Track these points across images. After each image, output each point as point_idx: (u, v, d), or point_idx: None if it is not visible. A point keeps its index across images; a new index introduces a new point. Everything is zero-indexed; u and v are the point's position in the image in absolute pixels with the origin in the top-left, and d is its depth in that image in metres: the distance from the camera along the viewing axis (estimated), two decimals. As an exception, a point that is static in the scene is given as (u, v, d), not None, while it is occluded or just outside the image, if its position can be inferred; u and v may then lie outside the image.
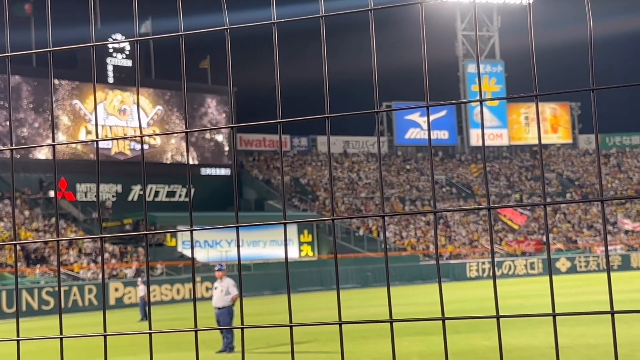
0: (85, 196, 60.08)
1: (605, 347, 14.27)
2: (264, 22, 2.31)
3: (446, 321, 2.06)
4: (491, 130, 79.61)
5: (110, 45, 62.36)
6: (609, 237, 67.70)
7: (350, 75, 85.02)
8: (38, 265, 45.72)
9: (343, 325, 2.15)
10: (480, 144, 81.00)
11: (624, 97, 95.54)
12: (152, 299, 41.16)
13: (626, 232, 69.27)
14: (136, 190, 63.48)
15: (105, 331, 2.33)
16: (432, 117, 77.34)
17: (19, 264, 44.96)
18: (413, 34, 67.97)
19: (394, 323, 2.11)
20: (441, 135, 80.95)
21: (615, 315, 1.90)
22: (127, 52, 63.68)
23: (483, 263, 59.18)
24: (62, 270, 46.89)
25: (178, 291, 45.38)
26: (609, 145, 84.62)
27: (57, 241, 2.37)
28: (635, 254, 62.25)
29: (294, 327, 2.16)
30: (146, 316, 32.46)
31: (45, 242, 45.98)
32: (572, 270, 59.34)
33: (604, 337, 15.25)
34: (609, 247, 64.45)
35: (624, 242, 66.96)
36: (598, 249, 65.84)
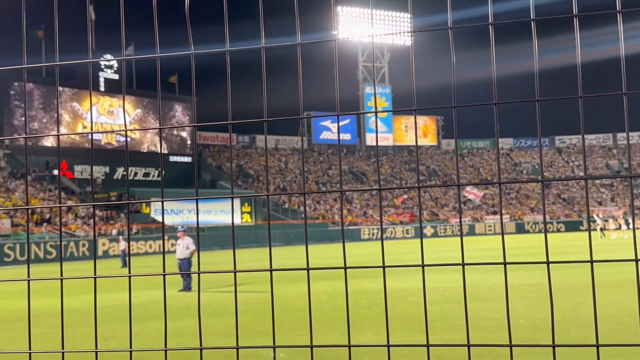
0: (81, 175, 58.94)
1: (456, 289, 14.66)
2: (218, 50, 2.29)
3: (348, 270, 2.07)
4: (381, 135, 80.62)
5: (102, 62, 61.34)
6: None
7: (282, 90, 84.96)
8: (44, 225, 44.65)
9: (273, 272, 2.14)
10: (374, 144, 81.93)
11: (475, 112, 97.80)
12: (131, 252, 40.43)
13: (473, 207, 71.08)
14: (120, 171, 62.50)
15: (95, 274, 2.28)
16: (340, 124, 77.72)
17: (30, 225, 43.79)
18: (327, 62, 68.22)
19: (310, 271, 2.12)
20: (346, 137, 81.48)
21: (465, 266, 1.95)
22: (115, 69, 62.92)
23: (372, 229, 59.96)
24: (62, 229, 45.70)
25: (150, 246, 44.84)
26: (462, 147, 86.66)
27: (59, 207, 2.31)
28: (478, 224, 64.03)
29: (237, 273, 2.15)
30: (126, 264, 31.99)
31: (50, 208, 44.68)
32: (435, 235, 60.70)
33: (454, 282, 15.66)
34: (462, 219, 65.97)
35: (471, 216, 68.77)
36: (453, 219, 67.48)
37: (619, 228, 44.92)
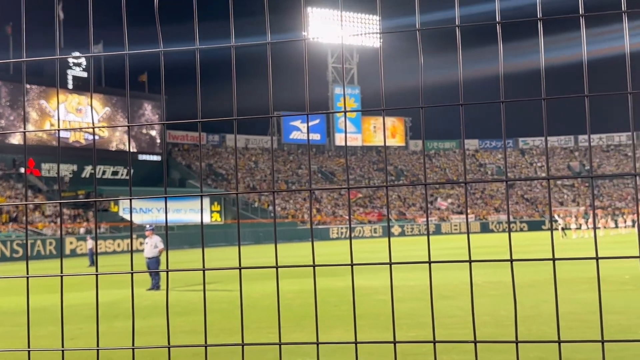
0: (48, 172, 57.89)
1: (422, 287, 14.78)
2: (188, 48, 2.26)
3: (317, 268, 2.07)
4: (350, 135, 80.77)
5: (70, 60, 60.28)
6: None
7: (252, 91, 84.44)
8: (11, 223, 43.72)
9: (242, 270, 2.13)
10: (343, 144, 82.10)
11: (442, 113, 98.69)
12: (98, 250, 39.87)
13: (439, 209, 71.83)
14: (88, 169, 61.48)
15: (61, 272, 2.23)
16: (310, 124, 77.73)
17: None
18: (297, 63, 68.20)
19: (278, 269, 2.11)
20: (315, 137, 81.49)
21: (432, 264, 1.97)
22: (84, 66, 61.90)
23: (341, 228, 60.10)
24: (29, 227, 44.84)
25: (119, 245, 44.31)
26: (429, 148, 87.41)
27: (25, 205, 2.25)
28: (444, 223, 64.69)
29: (206, 272, 2.13)
30: (93, 263, 31.54)
31: (17, 206, 43.73)
32: (402, 234, 61.13)
33: (421, 280, 15.80)
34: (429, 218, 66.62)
35: (438, 216, 69.43)
36: (420, 219, 68.04)
37: (580, 227, 45.84)
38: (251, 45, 2.23)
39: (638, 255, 1.90)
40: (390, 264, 1.98)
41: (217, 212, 63.31)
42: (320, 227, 59.86)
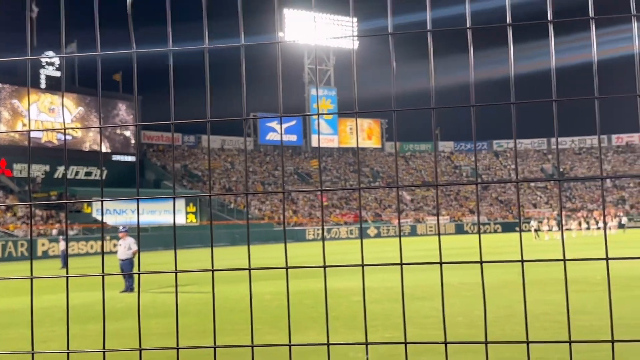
0: (20, 173, 56.90)
1: (397, 288, 14.85)
2: (161, 50, 2.25)
3: (293, 270, 2.08)
4: (326, 136, 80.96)
5: (43, 60, 59.37)
6: (403, 213, 70.36)
7: (229, 93, 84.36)
8: (-20, 225, 42.94)
9: (215, 272, 2.12)
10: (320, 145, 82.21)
11: (418, 116, 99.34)
12: (70, 252, 39.30)
13: (415, 208, 72.21)
14: (60, 170, 60.53)
15: (32, 274, 2.21)
16: (285, 125, 77.69)
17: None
18: (274, 65, 68.02)
19: (254, 271, 2.11)
20: (292, 138, 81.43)
21: (405, 266, 1.98)
22: (57, 66, 60.99)
23: (317, 229, 60.12)
24: (0, 228, 44.04)
25: (92, 246, 43.76)
26: (405, 150, 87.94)
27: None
28: (420, 225, 65.08)
29: (179, 274, 2.12)
30: (66, 265, 31.18)
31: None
32: (378, 235, 61.36)
33: (397, 281, 15.86)
34: (402, 220, 67.03)
35: (413, 217, 69.84)
36: (396, 220, 68.35)
37: (551, 229, 46.49)
38: (225, 47, 2.24)
39: (605, 257, 1.94)
40: (363, 265, 1.99)
41: (193, 213, 62.90)
42: (296, 228, 59.81)
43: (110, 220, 53.33)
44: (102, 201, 2.17)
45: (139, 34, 2.29)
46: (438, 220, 2.02)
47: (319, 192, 68.33)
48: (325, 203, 68.11)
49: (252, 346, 2.02)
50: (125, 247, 17.45)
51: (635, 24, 1.89)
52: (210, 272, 2.08)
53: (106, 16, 2.39)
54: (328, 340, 1.97)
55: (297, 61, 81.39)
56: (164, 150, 73.48)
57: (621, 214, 62.57)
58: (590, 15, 1.89)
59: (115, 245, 20.09)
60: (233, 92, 70.72)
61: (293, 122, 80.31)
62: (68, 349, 2.07)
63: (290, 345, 1.98)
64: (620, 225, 54.26)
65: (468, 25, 1.90)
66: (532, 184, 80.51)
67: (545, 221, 48.62)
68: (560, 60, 73.94)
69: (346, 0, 74.07)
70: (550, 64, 1.95)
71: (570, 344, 1.91)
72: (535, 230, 45.45)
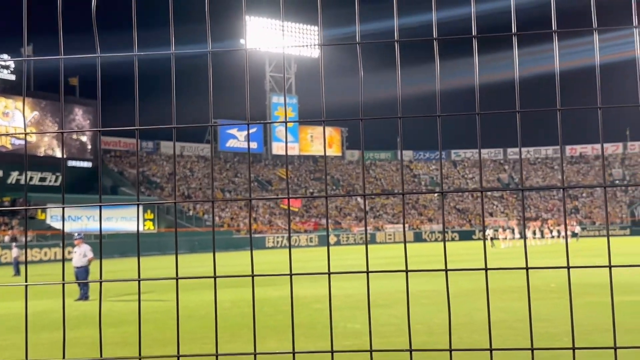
0: (-28, 178, 55.22)
1: (357, 296, 14.91)
2: (127, 54, 2.23)
3: (255, 277, 2.06)
4: (287, 144, 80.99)
5: (-3, 61, 57.84)
6: (364, 221, 70.73)
7: (186, 99, 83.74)
8: None
9: (179, 280, 2.10)
10: (280, 152, 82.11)
11: (378, 125, 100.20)
12: (23, 259, 38.34)
13: (375, 216, 72.66)
14: (14, 175, 58.83)
15: (-12, 284, 2.14)
16: (246, 132, 77.41)
17: None
18: (234, 72, 67.93)
19: (217, 279, 2.09)
20: (252, 145, 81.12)
21: (370, 274, 1.99)
22: (12, 69, 59.53)
23: (277, 237, 59.95)
24: (-51, 235, 42.66)
25: (45, 254, 42.77)
26: (365, 158, 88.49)
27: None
28: (379, 233, 65.49)
29: (141, 282, 2.08)
30: (19, 272, 30.38)
31: None
32: (338, 243, 61.52)
33: (356, 289, 15.93)
34: (361, 228, 67.37)
35: (373, 225, 70.25)
36: (355, 228, 68.67)
37: (506, 238, 47.41)
38: (192, 53, 2.22)
39: (566, 265, 1.98)
40: (329, 273, 1.99)
41: (151, 220, 61.99)
42: (256, 235, 59.53)
43: (65, 227, 52.27)
44: (62, 207, 2.12)
45: (100, 38, 2.25)
46: (404, 229, 2.04)
47: (279, 200, 68.16)
48: (294, 208, 67.92)
49: (217, 355, 1.99)
50: (81, 254, 17.11)
51: (596, 36, 1.95)
52: (175, 280, 2.06)
53: (64, 20, 2.35)
54: (294, 349, 1.96)
55: (259, 68, 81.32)
56: (121, 156, 72.27)
57: (575, 224, 64.17)
58: (554, 29, 1.94)
59: (70, 252, 19.64)
60: (192, 99, 70.24)
61: (254, 130, 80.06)
62: (27, 357, 2.01)
63: (255, 354, 1.97)
64: (574, 235, 55.62)
65: (435, 36, 1.93)
66: (489, 193, 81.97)
67: (500, 230, 49.55)
68: (527, 71, 75.79)
69: (308, 8, 74.34)
70: (511, 74, 1.99)
71: (532, 351, 1.94)
72: (492, 239, 46.25)
